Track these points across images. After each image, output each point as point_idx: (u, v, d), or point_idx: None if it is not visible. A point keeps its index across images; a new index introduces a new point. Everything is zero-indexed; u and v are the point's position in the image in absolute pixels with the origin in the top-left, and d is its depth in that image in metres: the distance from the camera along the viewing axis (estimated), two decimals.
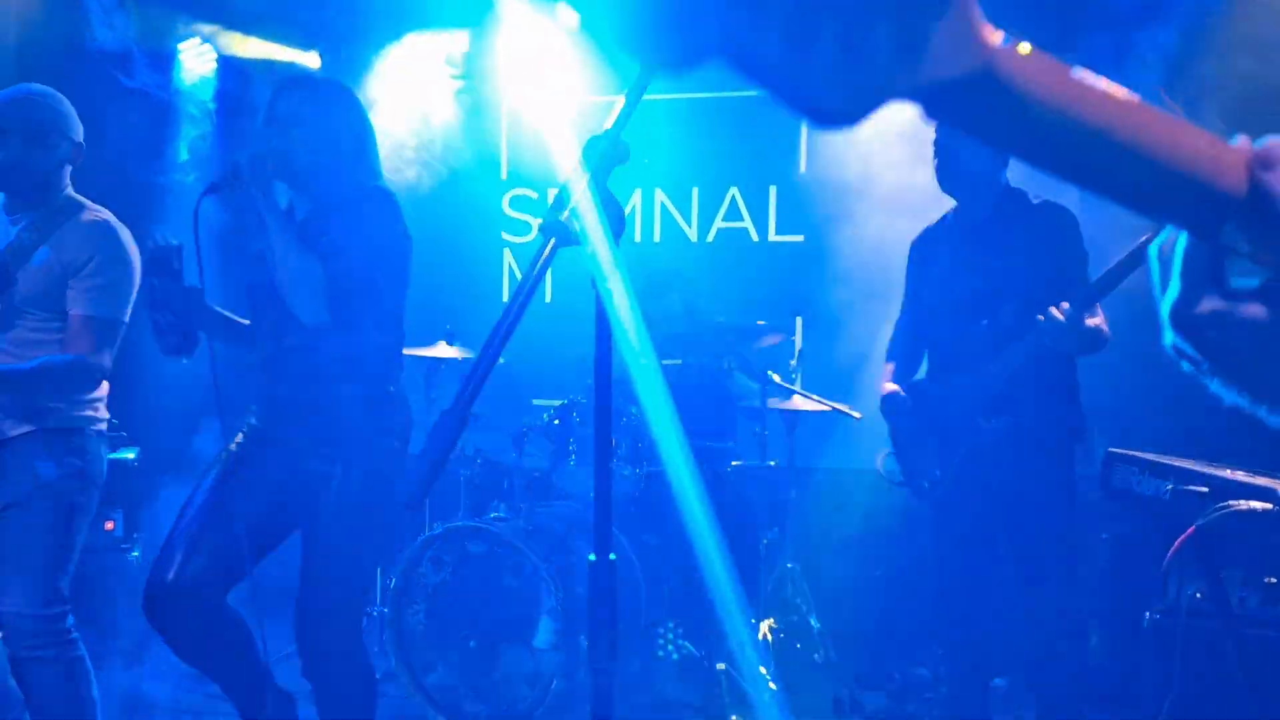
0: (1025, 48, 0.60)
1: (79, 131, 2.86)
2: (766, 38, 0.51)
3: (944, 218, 3.31)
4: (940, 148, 3.16)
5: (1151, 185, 0.64)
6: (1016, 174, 3.19)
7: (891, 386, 3.32)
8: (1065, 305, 2.82)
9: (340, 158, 2.64)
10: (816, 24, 0.51)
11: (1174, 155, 0.63)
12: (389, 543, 2.70)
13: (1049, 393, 3.04)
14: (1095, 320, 2.92)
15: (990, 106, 0.59)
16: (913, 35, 0.54)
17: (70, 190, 2.86)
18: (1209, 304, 0.68)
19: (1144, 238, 2.63)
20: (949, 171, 3.14)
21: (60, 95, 2.84)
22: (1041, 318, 2.85)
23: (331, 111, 2.64)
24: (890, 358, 3.43)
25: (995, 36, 0.58)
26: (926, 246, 3.35)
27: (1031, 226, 3.09)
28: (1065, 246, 3.06)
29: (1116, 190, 0.65)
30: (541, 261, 1.02)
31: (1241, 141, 0.67)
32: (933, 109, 0.58)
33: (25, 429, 2.74)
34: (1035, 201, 3.15)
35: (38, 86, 2.82)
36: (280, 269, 2.49)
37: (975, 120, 0.60)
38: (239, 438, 2.70)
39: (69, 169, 2.85)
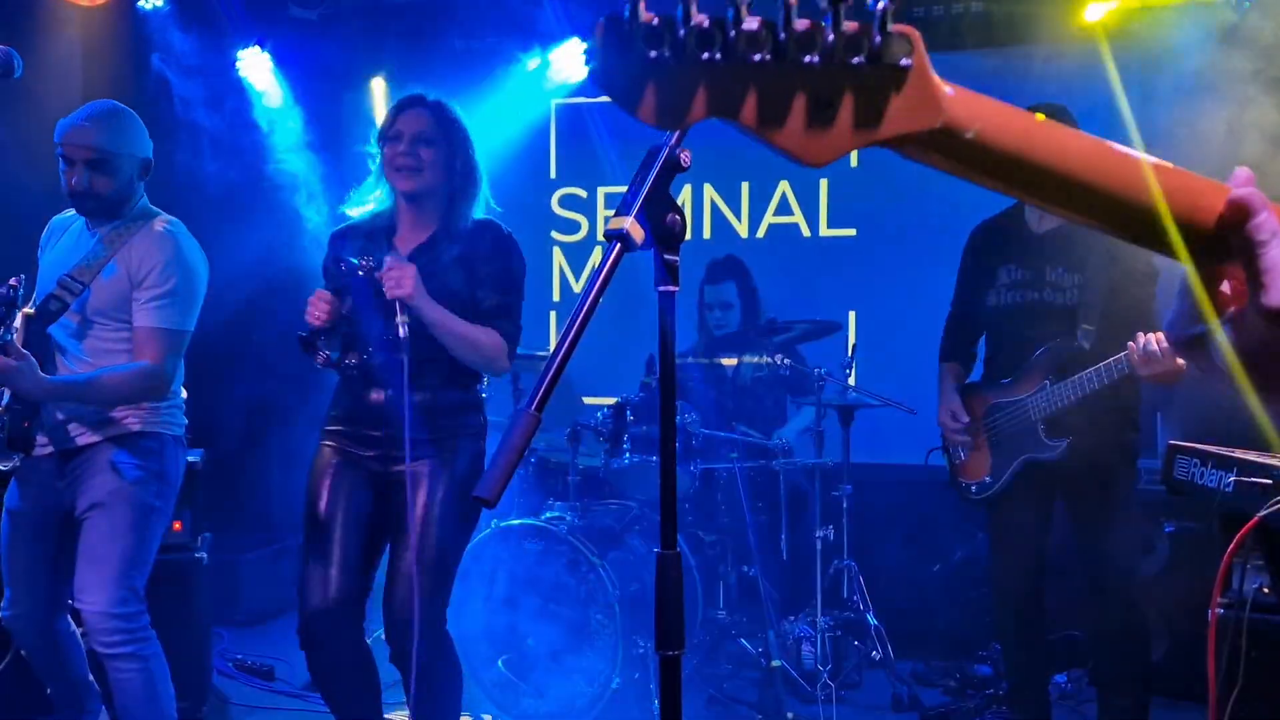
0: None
1: (147, 147, 2.92)
2: (748, 107, 0.63)
3: (1008, 213, 3.26)
4: None
5: (1118, 217, 0.71)
6: None
7: (955, 404, 3.27)
8: (1162, 339, 2.77)
9: (461, 188, 2.77)
10: (788, 98, 0.63)
11: (1137, 192, 0.70)
12: (472, 530, 2.82)
13: (1113, 417, 3.03)
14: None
15: (949, 151, 0.68)
16: (871, 106, 0.65)
17: (144, 201, 2.94)
18: (1195, 326, 0.74)
19: None
20: None
21: (126, 113, 2.89)
22: (1134, 345, 2.81)
23: (456, 128, 2.76)
24: (948, 357, 3.40)
25: (950, 95, 0.67)
26: (988, 242, 3.28)
27: (1107, 240, 3.03)
28: (1138, 264, 3.02)
29: (1084, 218, 0.73)
30: (609, 267, 1.05)
31: (1237, 175, 0.72)
32: (898, 151, 0.69)
33: (106, 435, 2.84)
34: None
35: (103, 106, 2.87)
36: (465, 349, 2.66)
37: (937, 161, 0.70)
38: (328, 453, 2.77)
39: (141, 185, 2.92)
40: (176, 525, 3.69)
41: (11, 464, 2.88)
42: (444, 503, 2.67)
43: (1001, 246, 3.23)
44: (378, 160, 2.77)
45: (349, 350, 2.69)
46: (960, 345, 3.39)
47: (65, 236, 2.96)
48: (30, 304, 2.81)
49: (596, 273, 1.06)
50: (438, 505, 2.66)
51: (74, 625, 2.99)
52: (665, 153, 1.13)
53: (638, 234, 1.10)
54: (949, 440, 3.31)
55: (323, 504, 2.71)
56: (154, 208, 2.95)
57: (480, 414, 2.84)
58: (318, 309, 2.61)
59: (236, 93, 5.47)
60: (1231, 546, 2.37)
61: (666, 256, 1.13)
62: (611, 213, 4.72)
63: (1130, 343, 2.84)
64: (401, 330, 2.51)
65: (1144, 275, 3.02)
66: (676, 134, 1.13)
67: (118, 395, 2.79)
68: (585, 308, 1.01)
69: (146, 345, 2.79)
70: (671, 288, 1.12)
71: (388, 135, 2.71)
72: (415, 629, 2.53)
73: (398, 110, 2.73)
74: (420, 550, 2.61)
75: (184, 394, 3.03)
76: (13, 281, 2.59)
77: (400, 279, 2.52)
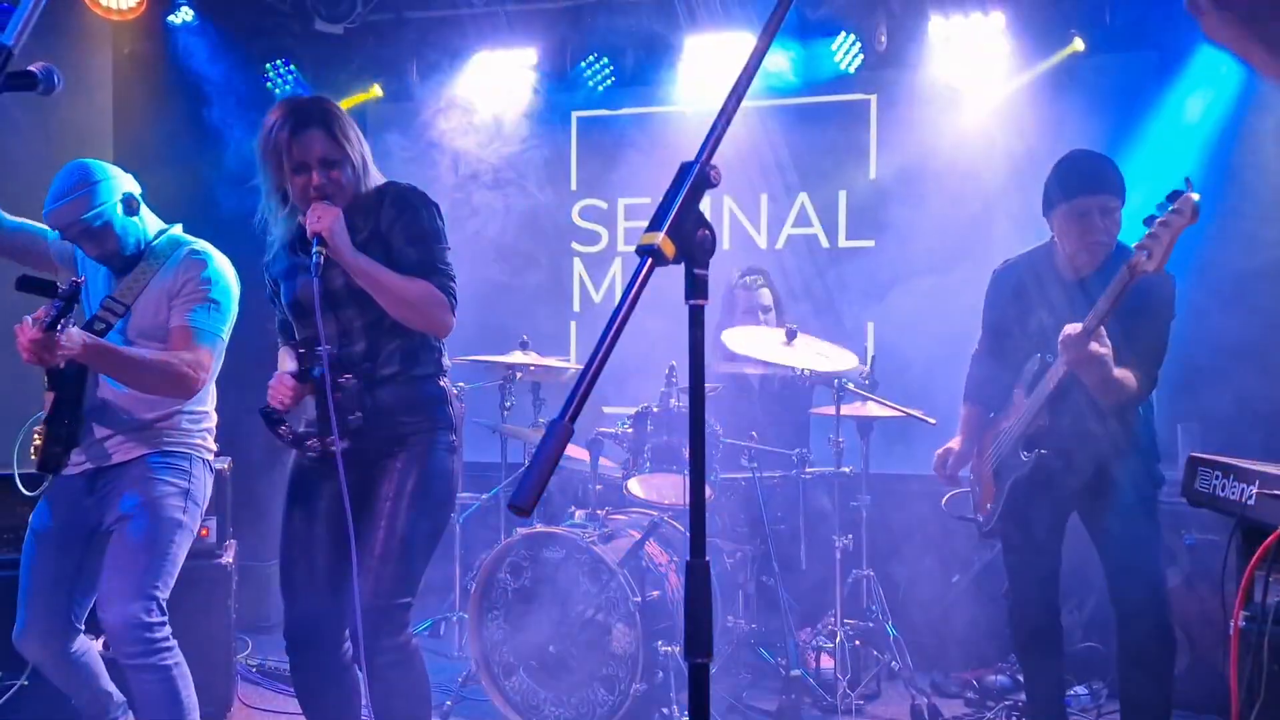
0: None
1: (116, 188, 2.91)
2: None
3: (1034, 256, 3.21)
4: (1058, 192, 3.09)
5: None
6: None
7: (952, 447, 3.33)
8: (1075, 327, 2.81)
9: (363, 169, 2.67)
10: None
11: None
12: (442, 532, 2.76)
13: (1089, 424, 3.00)
14: (1121, 371, 2.84)
15: None
16: None
17: (165, 232, 3.00)
18: None
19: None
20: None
21: (81, 171, 2.88)
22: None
23: (347, 128, 2.66)
24: (967, 398, 3.39)
25: None
26: (1018, 289, 3.21)
27: (1135, 293, 2.87)
28: (1159, 314, 2.98)
29: None
30: (640, 281, 1.08)
31: None
32: None
33: (138, 453, 2.90)
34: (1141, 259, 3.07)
35: (63, 180, 2.87)
36: (396, 304, 2.56)
37: None
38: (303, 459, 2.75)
39: (137, 217, 2.95)
40: (203, 531, 3.75)
41: (39, 489, 2.93)
42: (411, 497, 2.64)
43: (1033, 294, 3.16)
44: (268, 183, 2.64)
45: (313, 431, 2.65)
46: (982, 386, 3.35)
47: None
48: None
49: (628, 287, 1.09)
50: (405, 498, 2.63)
51: (87, 644, 3.02)
52: (697, 169, 1.16)
53: (669, 249, 1.13)
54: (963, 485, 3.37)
55: (299, 509, 2.71)
56: (184, 236, 3.02)
57: (447, 405, 2.77)
58: (281, 394, 2.59)
59: (264, 105, 5.54)
60: (1254, 559, 2.37)
61: (697, 271, 1.16)
62: (631, 224, 4.75)
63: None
64: (315, 258, 2.47)
65: (1163, 322, 3.00)
66: (707, 151, 1.16)
67: (153, 374, 2.81)
68: (618, 321, 1.05)
69: (181, 340, 2.85)
70: (702, 301, 1.15)
71: (293, 166, 2.58)
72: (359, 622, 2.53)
73: (291, 135, 2.56)
74: (383, 545, 2.59)
75: (215, 418, 3.08)
76: (76, 279, 2.64)
77: (321, 215, 2.50)
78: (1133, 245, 2.71)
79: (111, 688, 3.07)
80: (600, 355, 1.04)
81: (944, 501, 3.52)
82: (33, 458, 2.89)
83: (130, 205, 2.92)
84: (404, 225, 2.64)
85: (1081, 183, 3.03)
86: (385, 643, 2.59)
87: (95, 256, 2.91)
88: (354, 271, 2.53)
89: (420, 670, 2.69)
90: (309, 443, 2.64)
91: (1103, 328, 2.80)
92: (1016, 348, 3.18)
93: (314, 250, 2.49)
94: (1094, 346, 2.79)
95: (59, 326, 2.58)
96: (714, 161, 1.22)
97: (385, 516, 2.62)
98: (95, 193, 2.86)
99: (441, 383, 2.77)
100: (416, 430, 2.68)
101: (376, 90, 5.86)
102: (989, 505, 3.25)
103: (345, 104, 5.76)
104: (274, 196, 2.65)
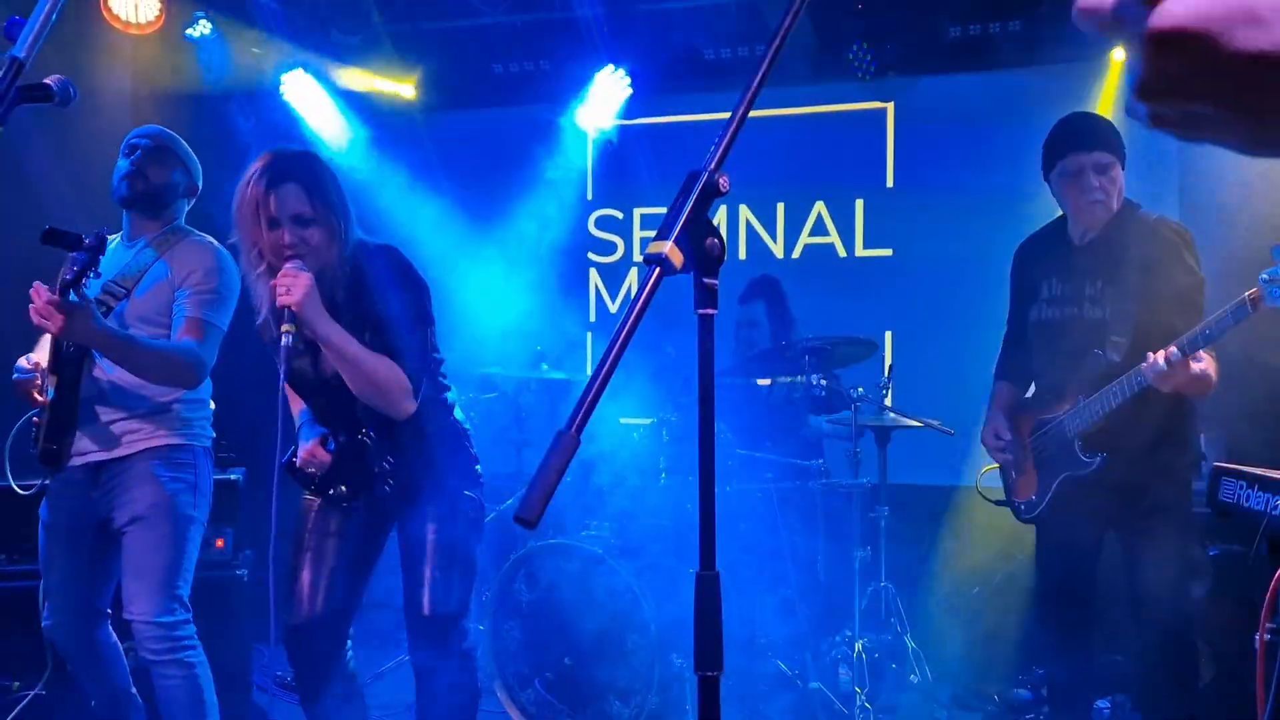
0: None
1: (198, 174, 3.11)
2: None
3: (1051, 227, 3.23)
4: (1049, 154, 3.10)
5: None
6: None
7: (998, 422, 3.28)
8: (1171, 350, 2.72)
9: (342, 233, 2.57)
10: None
11: None
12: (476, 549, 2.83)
13: (1148, 434, 2.96)
14: (1202, 365, 2.75)
15: None
16: None
17: (180, 221, 3.09)
18: None
19: (1249, 292, 2.59)
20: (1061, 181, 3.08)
21: (188, 146, 3.12)
22: (1151, 357, 2.76)
23: (327, 187, 2.55)
24: (1000, 377, 3.37)
25: None
26: (1032, 259, 3.25)
27: (1146, 250, 2.94)
28: (1180, 274, 2.93)
29: None
30: (648, 291, 1.07)
31: None
32: None
33: (140, 448, 2.91)
34: (1149, 217, 3.03)
35: (172, 132, 3.11)
36: (361, 382, 2.50)
37: None
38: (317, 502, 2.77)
39: (184, 203, 3.09)
40: (219, 543, 3.75)
41: (37, 487, 2.94)
42: (449, 520, 2.70)
43: (1043, 261, 3.19)
44: (244, 239, 2.55)
45: (334, 482, 2.68)
46: (1011, 363, 3.35)
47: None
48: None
49: (636, 296, 1.08)
50: (443, 521, 2.69)
51: (114, 636, 3.05)
52: (705, 178, 1.15)
53: (677, 258, 1.12)
54: (996, 459, 3.30)
55: (310, 522, 2.73)
56: (187, 227, 3.10)
57: (465, 440, 2.82)
58: (319, 468, 2.63)
59: (280, 117, 5.57)
60: None
61: (705, 280, 1.15)
62: (647, 234, 4.77)
63: (1149, 353, 2.79)
64: (284, 339, 2.38)
65: (1187, 285, 2.94)
66: (716, 158, 1.15)
67: (158, 364, 2.84)
68: (625, 331, 1.03)
69: (191, 331, 2.89)
70: (710, 311, 1.14)
71: (266, 218, 2.48)
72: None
73: (268, 188, 2.46)
74: (435, 556, 2.66)
75: (212, 405, 3.11)
76: (101, 233, 2.66)
77: (291, 286, 2.39)
78: (1260, 276, 2.55)
79: (132, 690, 3.09)
80: (607, 366, 1.03)
81: (978, 481, 3.53)
82: (34, 445, 2.91)
83: (191, 189, 3.10)
84: (387, 302, 2.58)
85: (1073, 140, 3.03)
86: (449, 648, 2.67)
87: (126, 169, 2.97)
88: (324, 343, 2.46)
89: (476, 679, 2.77)
90: (332, 491, 2.69)
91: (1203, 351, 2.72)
92: (1035, 319, 3.18)
93: (282, 329, 2.38)
94: (1196, 367, 2.73)
95: (81, 281, 2.61)
96: (731, 170, 1.21)
97: (432, 535, 2.68)
98: (186, 152, 3.09)
99: (454, 416, 2.81)
100: (445, 471, 2.74)
101: (411, 84, 5.88)
102: (1032, 495, 3.20)
103: (381, 76, 5.78)
104: (250, 253, 2.55)
